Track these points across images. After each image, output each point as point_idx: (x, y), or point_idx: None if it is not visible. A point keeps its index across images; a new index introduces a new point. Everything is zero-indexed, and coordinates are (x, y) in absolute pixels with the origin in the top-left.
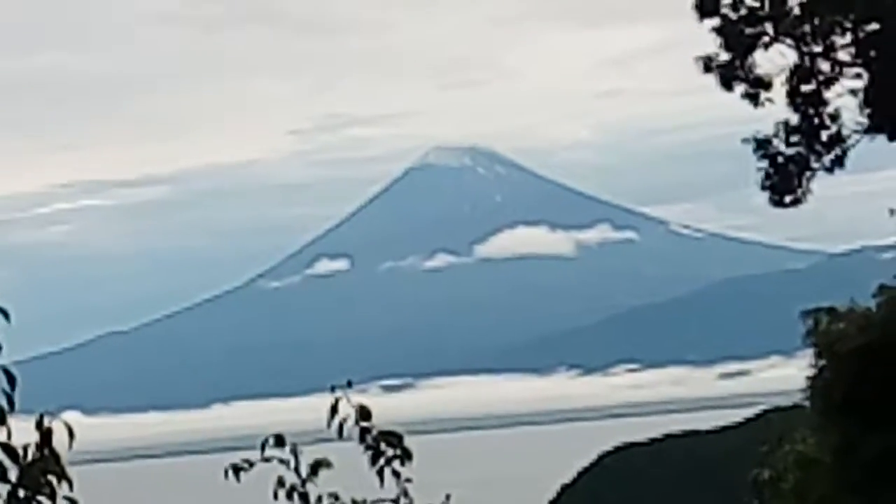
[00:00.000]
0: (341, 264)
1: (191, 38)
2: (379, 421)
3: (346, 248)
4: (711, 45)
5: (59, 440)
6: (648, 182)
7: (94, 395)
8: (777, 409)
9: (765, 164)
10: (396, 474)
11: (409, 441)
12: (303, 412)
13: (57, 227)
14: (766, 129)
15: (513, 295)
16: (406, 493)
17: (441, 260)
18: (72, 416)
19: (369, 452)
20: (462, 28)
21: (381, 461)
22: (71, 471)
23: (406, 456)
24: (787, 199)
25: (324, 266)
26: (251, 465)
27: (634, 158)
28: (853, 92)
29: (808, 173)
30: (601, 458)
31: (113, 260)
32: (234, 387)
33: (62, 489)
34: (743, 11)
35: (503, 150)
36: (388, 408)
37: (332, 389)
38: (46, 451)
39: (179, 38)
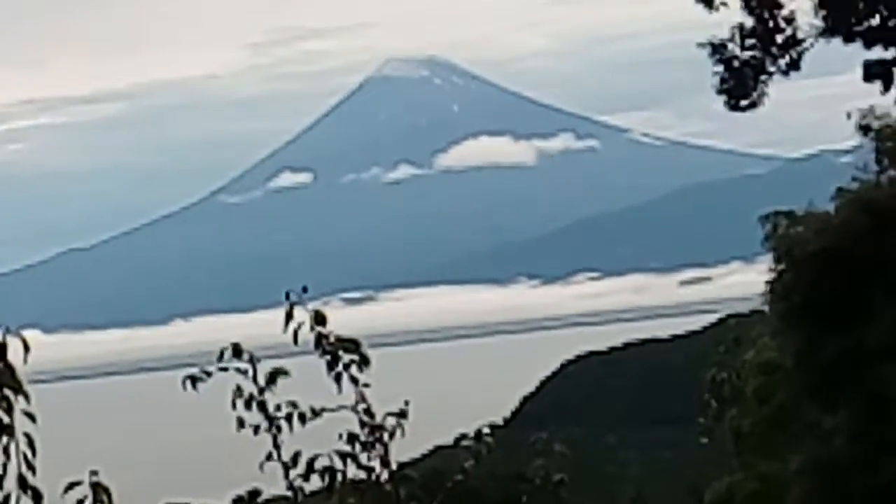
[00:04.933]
0: (304, 177)
1: None
2: (340, 333)
3: (308, 161)
4: None
5: (16, 357)
6: (607, 90)
7: (53, 313)
8: (738, 315)
9: (720, 68)
10: (354, 380)
11: (370, 354)
12: (263, 326)
13: (13, 146)
14: (722, 35)
15: (474, 205)
16: (364, 398)
17: (403, 171)
18: (31, 335)
19: (326, 358)
20: None
21: (339, 367)
22: (32, 389)
23: (363, 361)
24: (743, 102)
25: (286, 179)
26: (208, 375)
27: (592, 66)
28: None
29: (763, 77)
30: (563, 366)
31: (70, 177)
32: (195, 302)
33: (19, 403)
34: None
35: (460, 60)
36: (348, 320)
37: (287, 297)
38: (1, 365)
39: None
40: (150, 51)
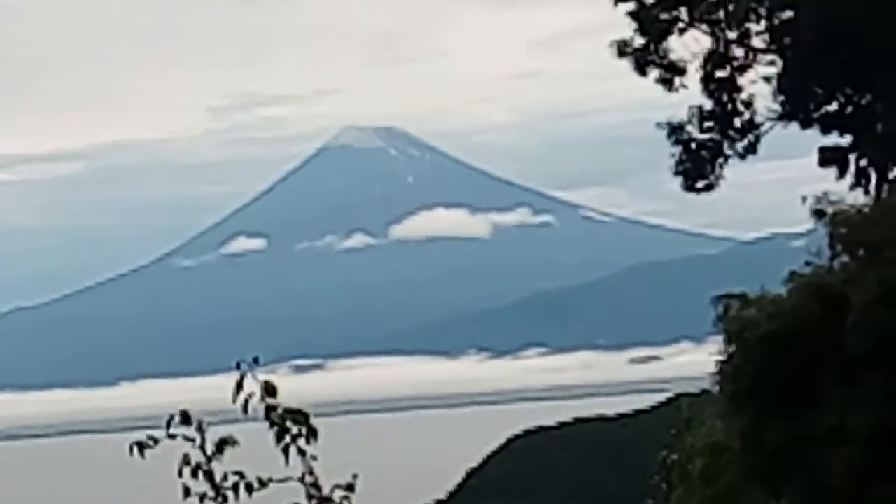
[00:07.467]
0: (257, 243)
1: (111, 7)
2: (288, 401)
3: (262, 227)
4: (628, 29)
5: None
6: (564, 165)
7: None
8: (687, 395)
9: (678, 149)
10: (302, 452)
11: (318, 422)
12: (211, 391)
13: None
14: (681, 115)
15: (426, 276)
16: (311, 471)
17: (357, 240)
18: None
19: (274, 429)
20: (395, 4)
21: (287, 438)
22: None
23: (311, 434)
24: (700, 184)
25: (240, 244)
26: (156, 441)
27: (551, 142)
28: (766, 79)
29: (720, 159)
30: (510, 441)
31: (22, 235)
32: (142, 365)
33: None
34: None
35: (417, 131)
36: (297, 388)
37: (238, 366)
38: None
39: (98, 8)
40: (108, 112)
